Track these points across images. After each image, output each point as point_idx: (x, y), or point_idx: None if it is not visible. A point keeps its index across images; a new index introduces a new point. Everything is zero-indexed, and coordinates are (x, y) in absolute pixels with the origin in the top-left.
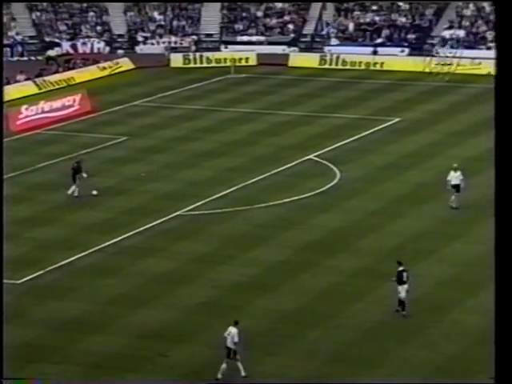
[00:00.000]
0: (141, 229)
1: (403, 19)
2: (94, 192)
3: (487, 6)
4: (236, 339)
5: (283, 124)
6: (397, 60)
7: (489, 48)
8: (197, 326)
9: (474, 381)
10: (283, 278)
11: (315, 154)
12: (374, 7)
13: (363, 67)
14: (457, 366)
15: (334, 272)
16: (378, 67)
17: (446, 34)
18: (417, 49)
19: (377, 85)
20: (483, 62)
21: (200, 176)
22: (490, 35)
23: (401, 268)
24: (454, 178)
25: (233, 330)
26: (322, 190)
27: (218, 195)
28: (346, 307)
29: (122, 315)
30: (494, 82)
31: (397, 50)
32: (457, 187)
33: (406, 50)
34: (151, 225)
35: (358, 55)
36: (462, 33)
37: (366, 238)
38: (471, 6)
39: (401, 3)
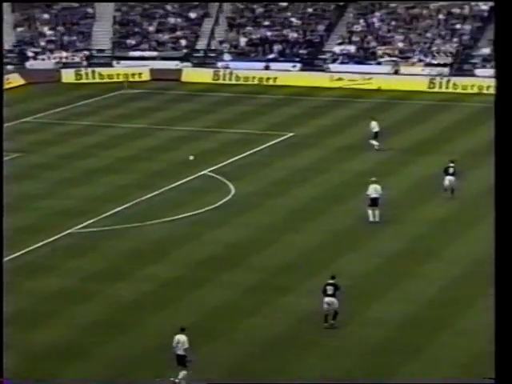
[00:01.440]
0: (32, 247)
1: (295, 34)
2: None
3: (376, 22)
4: (187, 345)
5: (177, 139)
6: (289, 75)
7: (379, 63)
8: (93, 344)
9: (473, 381)
10: (179, 294)
11: (210, 169)
12: (266, 22)
13: (256, 82)
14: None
15: (230, 287)
16: (270, 82)
17: (337, 49)
18: (308, 64)
19: (270, 100)
20: (373, 77)
21: (93, 193)
22: (379, 50)
23: (330, 281)
24: (374, 191)
25: (182, 337)
26: (216, 205)
27: (111, 212)
28: (241, 322)
29: (14, 335)
30: (495, 89)
31: (289, 65)
32: (375, 201)
33: (298, 65)
34: (43, 243)
35: (250, 70)
36: (352, 48)
37: (260, 253)
38: (361, 21)
39: (293, 19)
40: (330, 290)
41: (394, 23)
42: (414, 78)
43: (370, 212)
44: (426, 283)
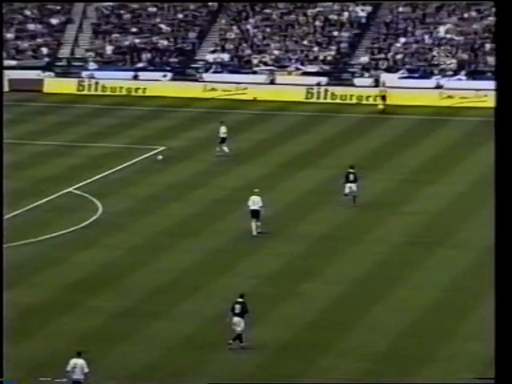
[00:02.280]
0: None
1: (165, 42)
2: None
3: (251, 28)
4: (86, 369)
5: (39, 155)
6: (159, 85)
7: (254, 72)
8: None
9: (470, 381)
10: (44, 321)
11: (75, 186)
12: (134, 29)
13: (124, 93)
14: None
15: (97, 313)
16: (140, 93)
17: (210, 57)
18: (180, 73)
19: (139, 112)
20: (249, 87)
21: None
22: (254, 59)
23: (239, 300)
24: (254, 203)
25: (79, 361)
26: (82, 225)
27: None
28: (109, 350)
29: None
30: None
31: (159, 74)
32: (256, 213)
33: (169, 75)
34: None
35: (118, 80)
36: (226, 56)
37: (130, 276)
38: (235, 28)
39: (162, 25)
40: (237, 308)
41: (269, 30)
42: (291, 88)
43: (252, 225)
44: (306, 305)
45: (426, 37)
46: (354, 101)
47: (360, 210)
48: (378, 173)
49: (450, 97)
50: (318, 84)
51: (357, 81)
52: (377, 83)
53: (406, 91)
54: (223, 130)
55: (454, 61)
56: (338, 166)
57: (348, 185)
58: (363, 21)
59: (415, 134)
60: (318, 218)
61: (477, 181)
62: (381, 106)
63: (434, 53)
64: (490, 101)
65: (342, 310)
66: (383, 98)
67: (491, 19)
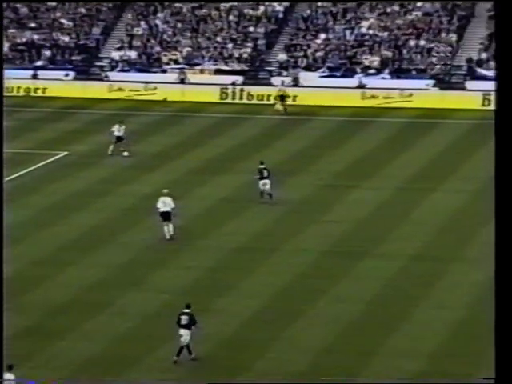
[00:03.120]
0: None
1: (66, 38)
2: None
3: (160, 24)
4: None
5: None
6: (61, 85)
7: (164, 71)
8: None
9: (471, 381)
10: None
11: None
12: (33, 24)
13: (22, 93)
14: None
15: None
16: (39, 93)
17: (116, 55)
18: (83, 72)
19: (39, 113)
20: (158, 86)
21: None
22: (164, 56)
23: (185, 310)
24: (165, 204)
25: (9, 375)
26: None
27: None
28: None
29: None
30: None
31: (60, 73)
32: (167, 215)
33: (72, 74)
34: None
35: (15, 79)
36: (133, 54)
37: (32, 292)
38: (143, 23)
39: (63, 20)
40: (184, 320)
41: (179, 25)
42: (204, 88)
43: (164, 228)
44: (222, 321)
45: (348, 33)
46: (272, 101)
47: (279, 218)
48: (297, 178)
49: (373, 97)
50: (233, 83)
51: (274, 80)
52: (296, 82)
53: (326, 91)
54: (116, 128)
55: (377, 58)
56: (256, 171)
57: (262, 181)
58: (280, 16)
59: (337, 137)
60: (234, 227)
61: (402, 186)
62: (279, 107)
63: (356, 50)
64: (415, 101)
65: (261, 326)
66: (282, 98)
67: (416, 14)
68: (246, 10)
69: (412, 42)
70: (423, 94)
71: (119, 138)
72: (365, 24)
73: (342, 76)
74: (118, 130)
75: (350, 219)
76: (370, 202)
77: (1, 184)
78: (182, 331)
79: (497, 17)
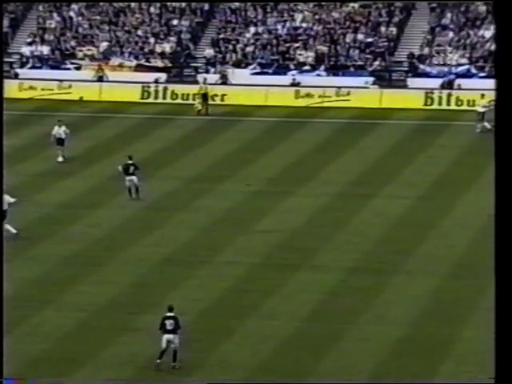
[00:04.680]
0: None
1: None
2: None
3: (74, 16)
4: None
5: None
6: None
7: (79, 68)
8: None
9: (470, 381)
10: None
11: None
12: None
13: None
14: None
15: None
16: None
17: (27, 50)
18: None
19: None
20: (74, 84)
21: None
22: (80, 52)
23: (168, 314)
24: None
25: None
26: None
27: None
28: None
29: None
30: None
31: None
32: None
33: None
34: None
35: None
36: (45, 49)
37: None
38: (56, 16)
39: None
40: (169, 324)
41: (97, 18)
42: (124, 86)
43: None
44: (145, 341)
45: (280, 26)
46: (194, 100)
47: (207, 227)
48: (226, 184)
49: (307, 95)
50: (156, 81)
51: (201, 77)
52: (224, 80)
53: (257, 89)
54: (56, 130)
55: (312, 54)
56: (181, 177)
57: (128, 178)
58: (206, 7)
59: (269, 139)
60: (158, 237)
61: (339, 192)
62: (198, 106)
63: (289, 45)
64: (353, 100)
65: (188, 346)
66: (204, 97)
67: (353, 6)
68: (168, 2)
69: (349, 37)
70: (361, 93)
71: (60, 141)
72: (298, 17)
73: (274, 73)
74: (59, 133)
75: (284, 228)
76: (306, 210)
77: (1, 184)
78: (169, 336)
79: (497, 17)
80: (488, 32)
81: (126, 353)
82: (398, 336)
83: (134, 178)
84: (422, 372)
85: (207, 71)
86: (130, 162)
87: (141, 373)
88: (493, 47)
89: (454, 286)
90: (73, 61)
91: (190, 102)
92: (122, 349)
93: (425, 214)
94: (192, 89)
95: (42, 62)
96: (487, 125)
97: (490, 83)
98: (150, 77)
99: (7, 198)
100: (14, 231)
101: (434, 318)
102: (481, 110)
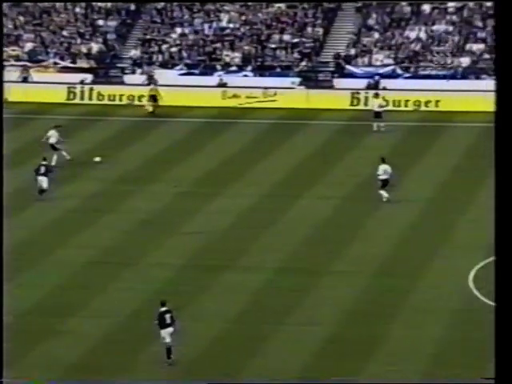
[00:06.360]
0: None
1: None
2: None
3: None
4: None
5: None
6: None
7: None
8: None
9: (467, 381)
10: None
11: None
12: None
13: None
14: None
15: None
16: None
17: None
18: None
19: None
20: None
21: None
22: (4, 52)
23: (163, 309)
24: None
25: None
26: None
27: None
28: None
29: None
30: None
31: None
32: None
33: None
34: None
35: None
36: None
37: None
38: None
39: None
40: (168, 318)
41: (21, 18)
42: (49, 87)
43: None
44: (70, 344)
45: (206, 27)
46: (125, 101)
47: (133, 229)
48: (153, 186)
49: (234, 96)
50: (82, 82)
51: (127, 78)
52: (150, 81)
53: (184, 90)
54: (52, 134)
55: (239, 54)
56: (107, 179)
57: (39, 178)
58: (132, 7)
59: (196, 140)
60: (84, 239)
61: (266, 193)
62: (149, 108)
63: (216, 45)
64: (280, 100)
65: (113, 349)
66: (154, 98)
67: (279, 6)
68: (94, 2)
69: (276, 37)
70: (288, 93)
71: (54, 147)
72: (224, 17)
73: (201, 74)
74: (52, 137)
75: (211, 230)
76: (233, 211)
77: (1, 185)
78: (168, 330)
79: (497, 17)
80: (413, 33)
81: (51, 355)
82: (325, 336)
83: (43, 178)
84: (349, 372)
85: (133, 72)
86: (43, 162)
87: (67, 374)
88: (417, 47)
89: (380, 285)
90: None
91: (117, 102)
92: (47, 351)
93: (351, 215)
94: (118, 90)
95: None
96: (382, 124)
97: (415, 83)
98: (75, 78)
99: None
100: None
101: (362, 318)
102: (377, 109)
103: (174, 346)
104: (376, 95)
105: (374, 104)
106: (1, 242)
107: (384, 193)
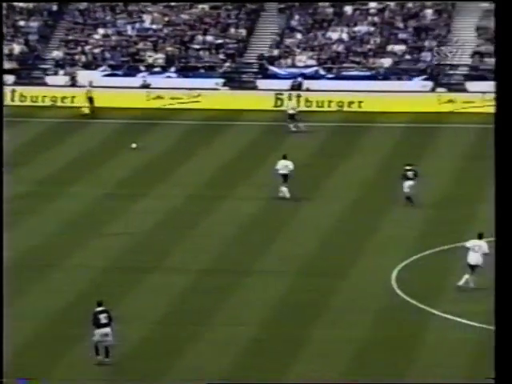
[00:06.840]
0: None
1: None
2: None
3: None
4: None
5: None
6: None
7: None
8: None
9: (466, 381)
10: None
11: None
12: None
13: None
14: None
15: None
16: None
17: None
18: None
19: None
20: None
21: None
22: None
23: (99, 308)
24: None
25: None
26: None
27: None
28: None
29: None
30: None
31: None
32: None
33: None
34: None
35: None
36: None
37: None
38: None
39: None
40: (103, 318)
41: None
42: None
43: None
44: None
45: (129, 27)
46: (48, 103)
47: (56, 231)
48: (77, 187)
49: (158, 97)
50: (4, 83)
51: (50, 79)
52: (74, 81)
53: (108, 91)
54: None
55: (162, 55)
56: (31, 180)
57: None
58: (55, 8)
59: (120, 141)
60: (6, 243)
61: (190, 194)
62: (85, 110)
63: (139, 46)
64: (204, 101)
65: (34, 353)
66: (90, 99)
67: (202, 7)
68: (15, 3)
69: (199, 38)
70: (212, 94)
71: None
72: (147, 18)
73: (125, 75)
74: None
75: (136, 231)
76: (157, 212)
77: (1, 185)
78: (105, 330)
79: (497, 17)
80: (335, 34)
81: None
82: (250, 337)
83: None
84: (273, 372)
85: (56, 73)
86: None
87: None
88: (340, 48)
89: (305, 286)
90: None
91: (40, 104)
92: None
93: (276, 215)
94: (41, 91)
95: None
96: (300, 125)
97: (338, 84)
98: None
99: None
100: None
101: (286, 319)
102: (290, 111)
103: (112, 346)
104: (289, 97)
105: (288, 106)
106: (1, 236)
107: (284, 189)
